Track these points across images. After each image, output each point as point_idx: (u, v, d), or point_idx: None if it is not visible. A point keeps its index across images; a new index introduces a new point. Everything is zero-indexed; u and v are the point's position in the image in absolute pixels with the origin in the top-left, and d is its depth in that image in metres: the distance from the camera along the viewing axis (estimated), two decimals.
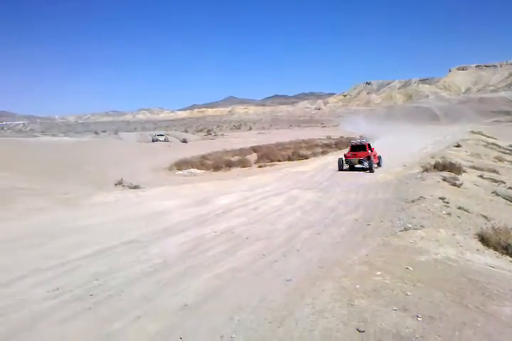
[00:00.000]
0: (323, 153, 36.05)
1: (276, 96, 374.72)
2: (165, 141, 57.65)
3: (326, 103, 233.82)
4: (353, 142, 24.17)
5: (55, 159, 27.50)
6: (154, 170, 28.60)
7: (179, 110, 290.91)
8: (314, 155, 34.17)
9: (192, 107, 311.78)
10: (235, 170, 27.75)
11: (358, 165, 22.43)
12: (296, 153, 34.34)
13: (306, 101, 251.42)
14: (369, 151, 22.44)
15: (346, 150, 25.13)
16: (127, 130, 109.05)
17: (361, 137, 27.00)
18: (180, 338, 4.61)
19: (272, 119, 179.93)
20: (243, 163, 30.40)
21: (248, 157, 34.01)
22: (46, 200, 13.81)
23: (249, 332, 4.62)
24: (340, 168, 22.47)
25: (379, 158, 23.40)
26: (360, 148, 22.96)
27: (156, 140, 57.61)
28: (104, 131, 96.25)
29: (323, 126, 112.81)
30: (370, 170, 21.27)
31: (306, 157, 33.02)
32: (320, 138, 54.07)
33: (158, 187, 18.17)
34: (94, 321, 5.14)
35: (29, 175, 19.72)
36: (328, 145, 43.00)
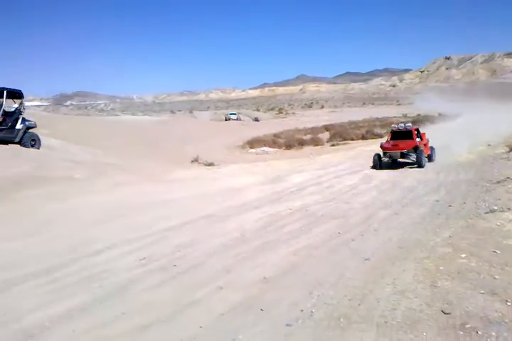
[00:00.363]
0: None
1: (347, 73, 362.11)
2: (237, 119, 58.67)
3: (401, 79, 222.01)
4: (395, 127, 18.12)
5: (137, 136, 29.01)
6: (228, 148, 29.31)
7: (250, 89, 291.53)
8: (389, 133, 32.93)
9: (263, 86, 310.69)
10: (307, 149, 27.68)
11: (400, 160, 16.97)
12: (370, 131, 33.41)
13: (379, 78, 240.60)
14: (417, 140, 16.85)
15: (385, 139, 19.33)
16: (201, 109, 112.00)
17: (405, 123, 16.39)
18: (261, 310, 4.73)
19: (344, 97, 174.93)
20: (315, 142, 30.23)
21: (320, 135, 33.69)
22: (131, 175, 14.69)
23: (330, 307, 4.64)
24: (376, 165, 16.55)
25: (431, 149, 17.58)
26: (404, 136, 17.11)
27: (229, 118, 58.77)
28: (179, 110, 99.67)
29: (399, 104, 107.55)
30: (419, 165, 15.90)
31: (380, 136, 31.93)
32: (395, 117, 51.78)
33: (233, 165, 18.66)
34: (179, 290, 5.42)
35: (114, 152, 21.00)
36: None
